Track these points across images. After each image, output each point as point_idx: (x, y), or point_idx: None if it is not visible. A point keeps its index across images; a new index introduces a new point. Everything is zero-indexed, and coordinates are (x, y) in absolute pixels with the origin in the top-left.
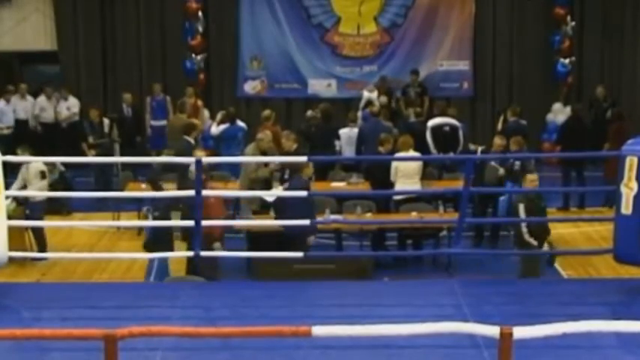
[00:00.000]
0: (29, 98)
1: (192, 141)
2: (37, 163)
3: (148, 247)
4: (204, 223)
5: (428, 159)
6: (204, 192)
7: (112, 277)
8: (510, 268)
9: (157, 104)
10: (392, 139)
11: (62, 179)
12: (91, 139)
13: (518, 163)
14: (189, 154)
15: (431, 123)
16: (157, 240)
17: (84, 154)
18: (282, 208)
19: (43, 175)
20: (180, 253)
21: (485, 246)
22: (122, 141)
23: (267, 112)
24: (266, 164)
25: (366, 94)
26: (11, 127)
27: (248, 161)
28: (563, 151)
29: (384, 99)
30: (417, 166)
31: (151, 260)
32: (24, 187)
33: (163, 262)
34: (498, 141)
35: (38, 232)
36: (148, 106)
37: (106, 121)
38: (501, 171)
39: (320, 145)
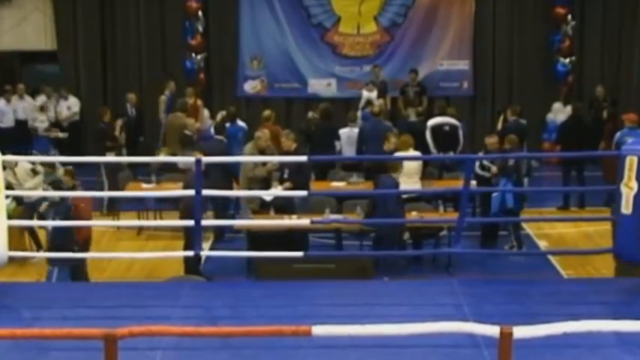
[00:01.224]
0: (27, 98)
1: (224, 139)
2: (23, 162)
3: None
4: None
5: (428, 158)
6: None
7: (112, 276)
8: (510, 267)
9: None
10: (395, 137)
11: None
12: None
13: (511, 161)
14: (226, 153)
15: (431, 122)
16: (59, 245)
17: (103, 155)
18: (373, 206)
19: (34, 172)
20: (179, 253)
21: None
22: (126, 142)
23: (267, 113)
24: (264, 163)
25: (365, 93)
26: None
27: (244, 160)
28: (563, 151)
29: (381, 101)
30: (417, 165)
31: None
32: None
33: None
34: (490, 140)
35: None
36: (162, 104)
37: (119, 122)
38: (494, 169)
39: (320, 144)
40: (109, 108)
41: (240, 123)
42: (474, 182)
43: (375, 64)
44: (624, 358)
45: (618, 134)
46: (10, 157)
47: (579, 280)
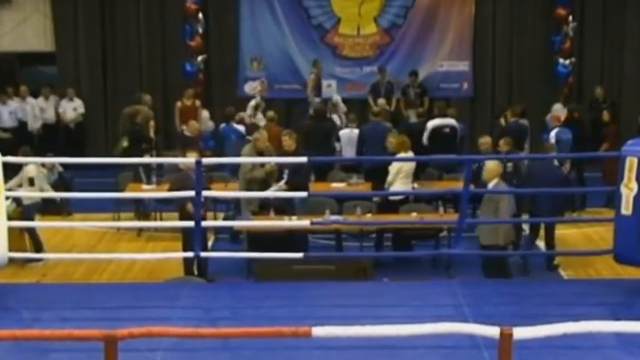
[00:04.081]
0: (29, 100)
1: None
2: (30, 167)
3: None
4: None
5: (428, 160)
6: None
7: (112, 277)
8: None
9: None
10: (394, 137)
11: (61, 180)
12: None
13: (510, 164)
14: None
15: (431, 124)
16: None
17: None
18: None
19: (31, 181)
20: (179, 254)
21: None
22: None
23: (271, 114)
24: (262, 164)
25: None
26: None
27: (243, 162)
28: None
29: (382, 101)
30: (412, 166)
31: None
32: (19, 186)
33: None
34: (482, 140)
35: (33, 235)
36: (178, 112)
37: (152, 123)
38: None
39: (315, 144)
40: (139, 109)
41: (235, 126)
42: None
43: (380, 66)
44: (624, 358)
45: (553, 133)
46: (21, 159)
47: (579, 281)
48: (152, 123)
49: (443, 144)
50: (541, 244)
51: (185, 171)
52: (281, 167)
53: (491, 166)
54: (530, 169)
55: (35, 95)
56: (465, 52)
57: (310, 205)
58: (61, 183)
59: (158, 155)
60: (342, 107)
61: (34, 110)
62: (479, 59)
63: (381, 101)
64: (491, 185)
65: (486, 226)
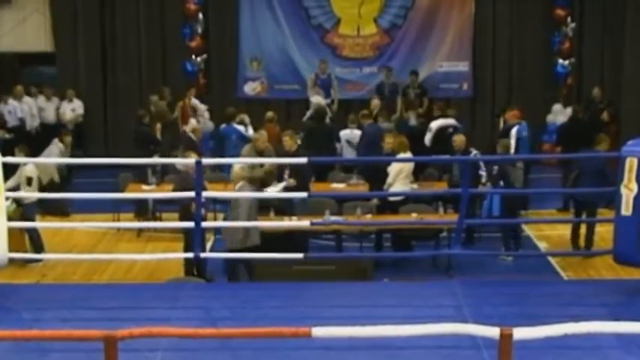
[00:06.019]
0: (26, 99)
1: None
2: (28, 167)
3: None
4: None
5: (427, 160)
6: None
7: (112, 278)
8: (510, 269)
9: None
10: (391, 137)
11: (70, 175)
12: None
13: (495, 167)
14: None
15: (435, 124)
16: None
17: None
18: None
19: (29, 181)
20: (179, 255)
21: (484, 247)
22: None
23: (270, 114)
24: (262, 164)
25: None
26: None
27: (243, 162)
28: (563, 153)
29: (376, 102)
30: (412, 166)
31: None
32: (17, 186)
33: None
34: (457, 137)
35: (33, 234)
36: (180, 111)
37: (158, 125)
38: (484, 177)
39: (317, 145)
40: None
41: (236, 126)
42: None
43: (386, 66)
44: (624, 359)
45: (514, 131)
46: (22, 159)
47: (579, 281)
48: (158, 125)
49: (446, 144)
50: (542, 245)
51: (186, 172)
52: (281, 167)
53: (236, 169)
54: (578, 164)
55: (29, 95)
56: (464, 53)
57: (310, 205)
58: (69, 178)
59: (165, 156)
60: (201, 107)
61: (32, 110)
62: (479, 59)
63: (375, 102)
64: (237, 187)
65: (229, 231)
